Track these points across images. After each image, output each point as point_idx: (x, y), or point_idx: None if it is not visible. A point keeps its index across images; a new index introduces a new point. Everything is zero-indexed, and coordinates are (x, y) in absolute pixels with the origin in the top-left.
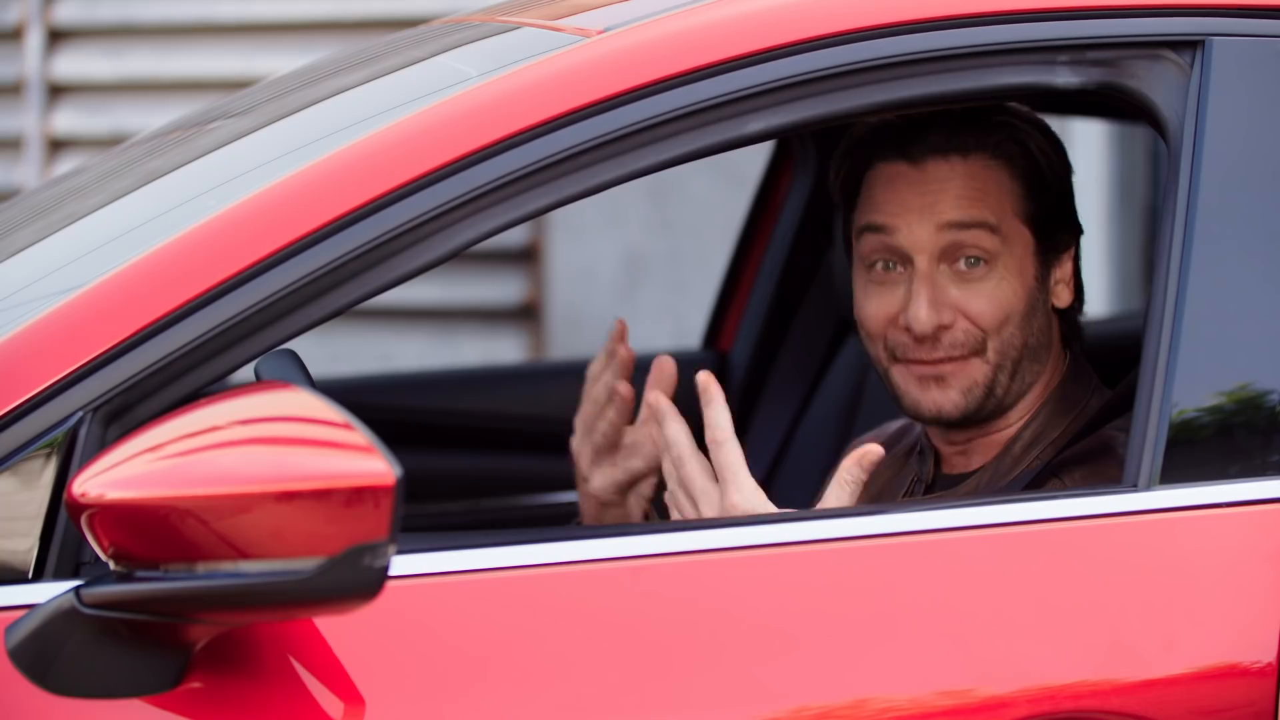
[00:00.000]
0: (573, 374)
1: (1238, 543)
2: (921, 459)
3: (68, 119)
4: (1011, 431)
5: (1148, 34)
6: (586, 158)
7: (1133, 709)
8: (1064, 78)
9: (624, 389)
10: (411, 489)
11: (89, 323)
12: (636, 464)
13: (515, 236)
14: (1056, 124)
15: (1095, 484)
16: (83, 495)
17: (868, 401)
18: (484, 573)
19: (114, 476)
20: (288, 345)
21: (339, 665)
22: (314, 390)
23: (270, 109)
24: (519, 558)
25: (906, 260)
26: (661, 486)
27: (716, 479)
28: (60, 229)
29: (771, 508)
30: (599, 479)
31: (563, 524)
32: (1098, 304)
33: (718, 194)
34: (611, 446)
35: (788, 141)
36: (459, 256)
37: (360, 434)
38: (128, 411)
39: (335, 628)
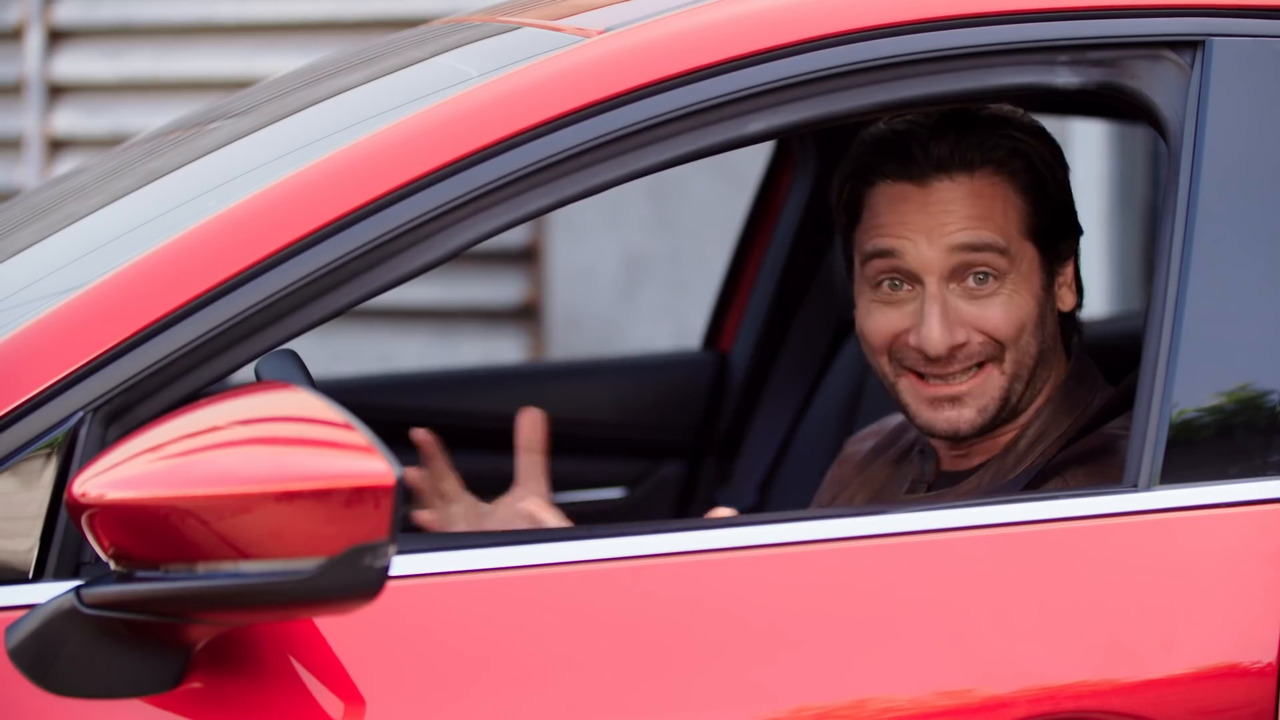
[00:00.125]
0: (573, 374)
1: (1238, 543)
2: (922, 458)
3: (68, 119)
4: (1015, 433)
5: (1148, 34)
6: (587, 158)
7: (1133, 709)
8: (1064, 78)
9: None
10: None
11: (89, 323)
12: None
13: (515, 236)
14: (1056, 124)
15: (1096, 483)
16: (83, 495)
17: (868, 401)
18: (484, 573)
19: (114, 477)
20: (288, 345)
21: (339, 665)
22: (314, 390)
23: (270, 109)
24: (519, 558)
25: (915, 280)
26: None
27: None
28: (60, 229)
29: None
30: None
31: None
32: (1098, 304)
33: (718, 194)
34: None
35: (788, 142)
36: (459, 256)
37: (360, 434)
38: (128, 411)
39: (335, 628)
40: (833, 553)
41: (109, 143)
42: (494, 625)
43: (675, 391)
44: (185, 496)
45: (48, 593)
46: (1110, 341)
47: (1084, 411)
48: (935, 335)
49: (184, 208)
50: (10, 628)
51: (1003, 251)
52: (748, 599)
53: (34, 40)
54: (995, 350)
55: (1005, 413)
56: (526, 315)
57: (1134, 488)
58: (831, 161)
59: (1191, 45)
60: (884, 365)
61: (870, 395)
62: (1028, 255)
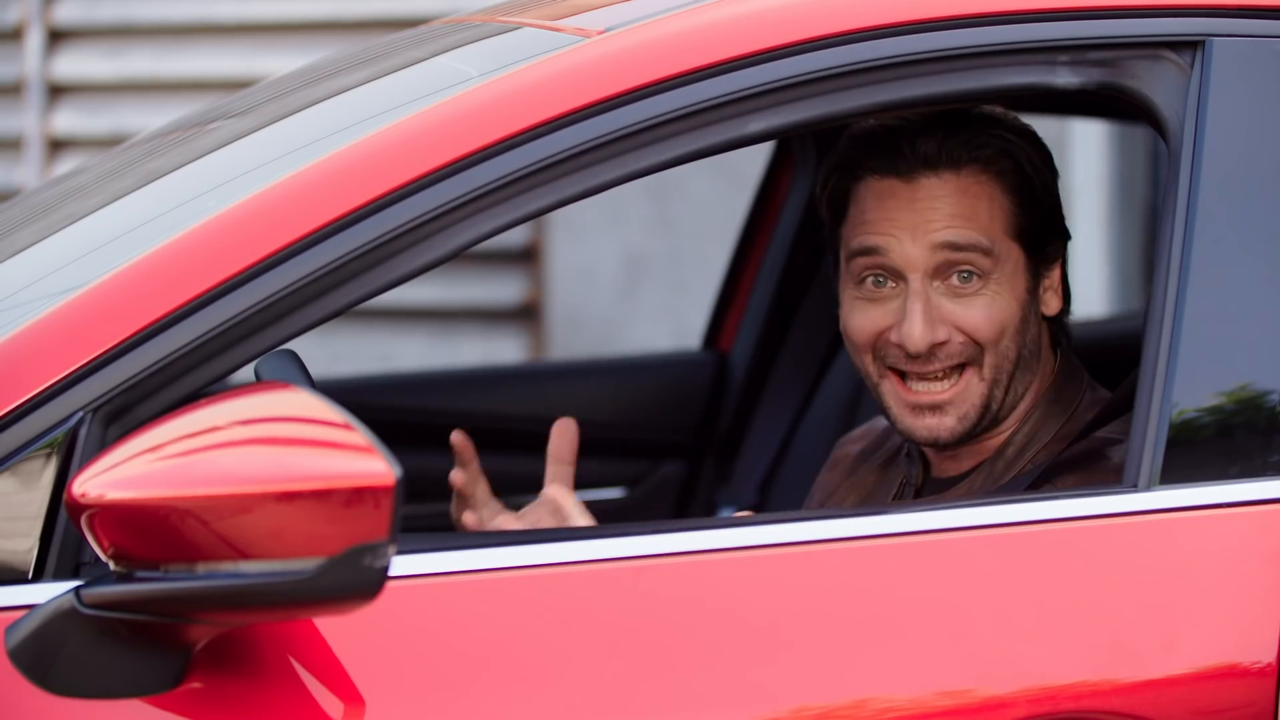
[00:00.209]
0: (573, 374)
1: (1238, 543)
2: (910, 462)
3: (68, 119)
4: (1004, 437)
5: (1148, 34)
6: (587, 158)
7: (1133, 709)
8: (1064, 78)
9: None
10: (411, 489)
11: (89, 323)
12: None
13: (515, 236)
14: (1056, 124)
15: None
16: (83, 495)
17: (868, 401)
18: (484, 573)
19: (114, 477)
20: (288, 345)
21: (339, 665)
22: (314, 390)
23: (270, 109)
24: (519, 558)
25: (899, 276)
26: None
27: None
28: (60, 229)
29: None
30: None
31: None
32: (1098, 304)
33: (718, 194)
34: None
35: (788, 142)
36: (459, 256)
37: (360, 434)
38: (128, 412)
39: (335, 628)
40: (833, 553)
41: (109, 143)
42: (494, 625)
43: (675, 391)
44: (185, 496)
45: (48, 593)
46: (1110, 342)
47: (1072, 415)
48: (917, 332)
49: (184, 208)
50: (10, 628)
51: (987, 251)
52: (748, 599)
53: (34, 40)
54: (975, 352)
55: (986, 420)
56: (526, 315)
57: (1134, 488)
58: None
59: (1191, 45)
60: (868, 364)
61: (869, 395)
62: (1013, 256)
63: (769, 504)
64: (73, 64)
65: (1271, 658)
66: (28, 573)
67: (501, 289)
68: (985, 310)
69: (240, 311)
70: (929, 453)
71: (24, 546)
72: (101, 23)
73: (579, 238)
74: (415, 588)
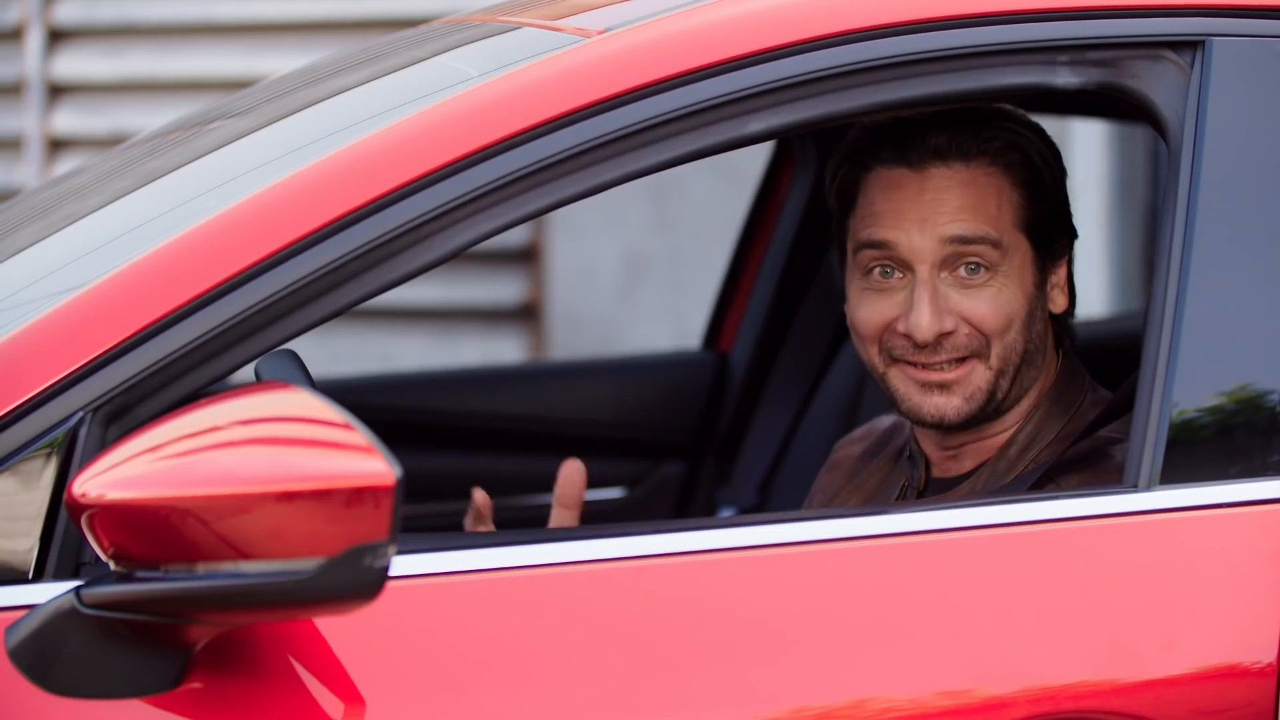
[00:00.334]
0: (573, 374)
1: (1238, 543)
2: (912, 463)
3: (68, 119)
4: (1006, 436)
5: (1148, 34)
6: (587, 158)
7: (1133, 709)
8: (1064, 78)
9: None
10: (411, 489)
11: (89, 323)
12: None
13: (515, 236)
14: (1056, 124)
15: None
16: (83, 495)
17: (868, 401)
18: (484, 573)
19: (114, 477)
20: (288, 345)
21: (339, 665)
22: (314, 390)
23: (270, 109)
24: (519, 558)
25: (906, 267)
26: None
27: None
28: (60, 229)
29: None
30: None
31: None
32: (1098, 304)
33: (718, 194)
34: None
35: (788, 142)
36: (459, 256)
37: (360, 434)
38: (128, 412)
39: (335, 628)
40: (833, 553)
41: (109, 143)
42: (494, 625)
43: (675, 391)
44: (185, 496)
45: (48, 593)
46: (1110, 342)
47: (1074, 415)
48: (924, 321)
49: (184, 208)
50: (10, 628)
51: (995, 244)
52: (748, 599)
53: (34, 40)
54: (981, 345)
55: (991, 407)
56: (526, 315)
57: (1134, 488)
58: None
59: (1191, 45)
60: (874, 356)
61: (870, 395)
62: (1020, 249)
63: (769, 504)
64: (73, 64)
65: (1271, 658)
66: (28, 573)
67: (501, 289)
68: (992, 302)
69: (240, 311)
70: (931, 452)
71: (24, 546)
72: (101, 23)
73: (579, 238)
74: (415, 588)
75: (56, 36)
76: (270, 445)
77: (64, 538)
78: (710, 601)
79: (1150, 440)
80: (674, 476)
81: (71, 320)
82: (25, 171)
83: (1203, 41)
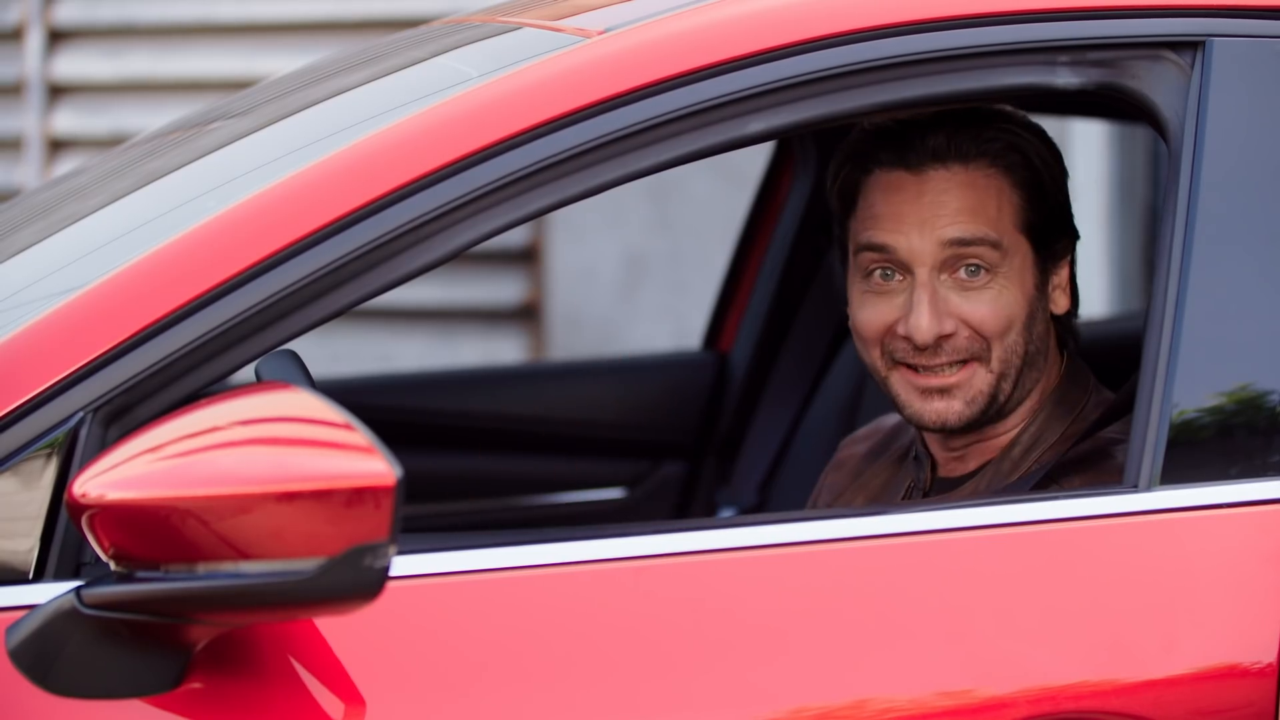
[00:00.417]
0: (573, 374)
1: (1238, 543)
2: (918, 464)
3: (68, 119)
4: (1010, 436)
5: (1148, 34)
6: (587, 158)
7: (1133, 709)
8: (1064, 78)
9: None
10: (411, 489)
11: (89, 323)
12: None
13: (515, 237)
14: (1056, 124)
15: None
16: (83, 496)
17: (868, 401)
18: (484, 573)
19: (114, 477)
20: (288, 346)
21: (339, 665)
22: (314, 391)
23: (270, 109)
24: (519, 558)
25: (906, 270)
26: None
27: None
28: (60, 229)
29: None
30: None
31: (563, 524)
32: (1098, 304)
33: (718, 194)
34: None
35: (788, 142)
36: (459, 257)
37: (361, 434)
38: (128, 412)
39: (335, 628)
40: (833, 553)
41: (109, 143)
42: (494, 625)
43: (675, 391)
44: (185, 497)
45: (48, 593)
46: (1110, 342)
47: (1077, 415)
48: (924, 324)
49: (184, 208)
50: (10, 628)
51: (995, 245)
52: (748, 599)
53: (34, 40)
54: (981, 348)
55: (993, 410)
56: (526, 315)
57: (1134, 488)
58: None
59: (1191, 45)
60: (876, 359)
61: (870, 395)
62: (1021, 251)
63: (769, 504)
64: (73, 64)
65: (1271, 658)
66: (28, 573)
67: (501, 289)
68: (992, 305)
69: (240, 312)
70: (936, 452)
71: (24, 547)
72: (101, 23)
73: (579, 238)
74: (415, 588)
75: (56, 36)
76: (270, 445)
77: (64, 538)
78: (710, 601)
79: (1150, 440)
80: (674, 477)
81: (71, 320)
82: (25, 172)
83: (1203, 41)
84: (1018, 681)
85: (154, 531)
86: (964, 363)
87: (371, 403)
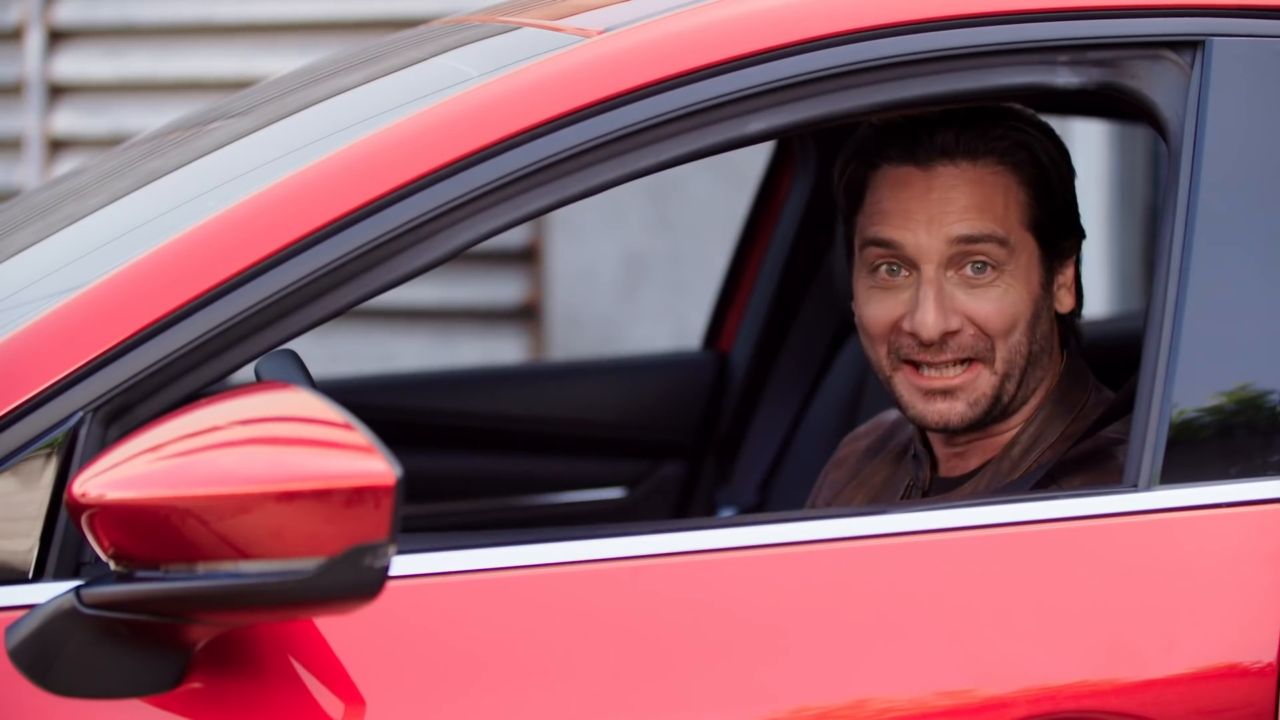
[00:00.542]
0: (573, 374)
1: (1238, 543)
2: (917, 462)
3: (68, 119)
4: (1010, 435)
5: (1148, 34)
6: (587, 158)
7: (1133, 709)
8: (1064, 78)
9: None
10: (411, 489)
11: (89, 323)
12: None
13: (515, 237)
14: (1056, 124)
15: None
16: (83, 495)
17: (868, 401)
18: (484, 573)
19: (114, 477)
20: (288, 345)
21: (339, 665)
22: (314, 390)
23: (270, 109)
24: (519, 558)
25: (912, 266)
26: None
27: None
28: (60, 229)
29: None
30: None
31: (563, 524)
32: (1098, 304)
33: (718, 194)
34: None
35: (788, 142)
36: (459, 257)
37: (360, 434)
38: (128, 412)
39: (335, 628)
40: (833, 553)
41: (109, 143)
42: (494, 625)
43: (675, 391)
44: (185, 496)
45: (48, 593)
46: (1110, 342)
47: (1077, 415)
48: (930, 320)
49: (184, 208)
50: (10, 628)
51: (1002, 242)
52: (748, 599)
53: (34, 40)
54: (985, 348)
55: (997, 410)
56: (526, 315)
57: (1134, 488)
58: (832, 162)
59: (1191, 45)
60: (882, 357)
61: (870, 395)
62: (1027, 248)
63: (769, 504)
64: (73, 64)
65: (1271, 658)
66: (28, 573)
67: (501, 289)
68: (998, 302)
69: (240, 311)
70: (937, 450)
71: (24, 546)
72: (101, 23)
73: (579, 238)
74: (415, 588)
75: (56, 36)
76: (270, 445)
77: (64, 538)
78: (710, 601)
79: (1150, 440)
80: (674, 476)
81: (71, 320)
82: (25, 171)
83: (1203, 41)
84: (1017, 681)
85: (154, 531)
86: (967, 363)
87: (371, 403)
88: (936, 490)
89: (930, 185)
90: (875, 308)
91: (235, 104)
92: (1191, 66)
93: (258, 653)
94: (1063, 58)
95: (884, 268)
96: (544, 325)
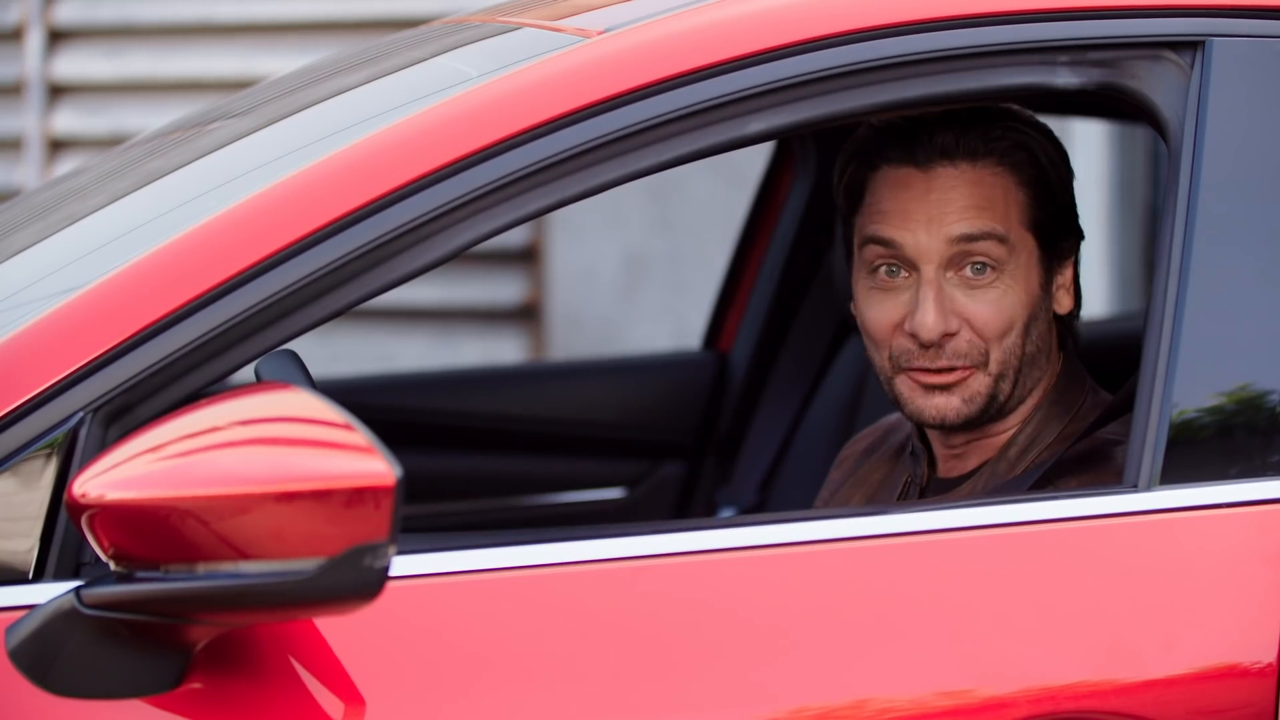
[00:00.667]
0: (573, 374)
1: (1238, 543)
2: (915, 461)
3: (68, 119)
4: (1008, 435)
5: (1148, 34)
6: (587, 158)
7: (1133, 709)
8: (1064, 78)
9: None
10: (411, 489)
11: (89, 323)
12: None
13: (515, 237)
14: (1056, 124)
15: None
16: (83, 496)
17: (868, 401)
18: (484, 573)
19: (114, 477)
20: (288, 346)
21: (339, 665)
22: (314, 391)
23: (270, 109)
24: (519, 558)
25: (912, 267)
26: None
27: None
28: (60, 229)
29: None
30: None
31: (563, 524)
32: (1098, 305)
33: (718, 194)
34: None
35: (788, 142)
36: (459, 257)
37: (360, 434)
38: (128, 412)
39: (335, 628)
40: (833, 553)
41: (109, 143)
42: (494, 625)
43: (675, 391)
44: (185, 497)
45: (48, 593)
46: (1110, 342)
47: (1074, 416)
48: (929, 321)
49: (184, 208)
50: (10, 628)
51: (1002, 239)
52: (748, 599)
53: (34, 40)
54: (980, 355)
55: (993, 409)
56: (526, 315)
57: (1134, 488)
58: (832, 162)
59: (1191, 45)
60: (884, 360)
61: (870, 395)
62: (1027, 247)
63: (769, 504)
64: (73, 64)
65: (1271, 658)
66: (28, 573)
67: (501, 289)
68: (995, 305)
69: (240, 311)
70: (936, 449)
71: (24, 547)
72: (101, 23)
73: (579, 238)
74: (415, 588)
75: (56, 36)
76: (270, 445)
77: (64, 538)
78: (710, 601)
79: (1150, 440)
80: (674, 476)
81: (71, 320)
82: (25, 171)
83: (1203, 41)
84: (1018, 681)
85: (154, 531)
86: (965, 369)
87: (371, 403)
88: (934, 491)
89: (929, 186)
90: (876, 311)
91: (235, 104)
92: (1191, 67)
93: (258, 653)
94: (1063, 58)
95: (883, 269)
96: (544, 325)
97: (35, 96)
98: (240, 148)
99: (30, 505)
